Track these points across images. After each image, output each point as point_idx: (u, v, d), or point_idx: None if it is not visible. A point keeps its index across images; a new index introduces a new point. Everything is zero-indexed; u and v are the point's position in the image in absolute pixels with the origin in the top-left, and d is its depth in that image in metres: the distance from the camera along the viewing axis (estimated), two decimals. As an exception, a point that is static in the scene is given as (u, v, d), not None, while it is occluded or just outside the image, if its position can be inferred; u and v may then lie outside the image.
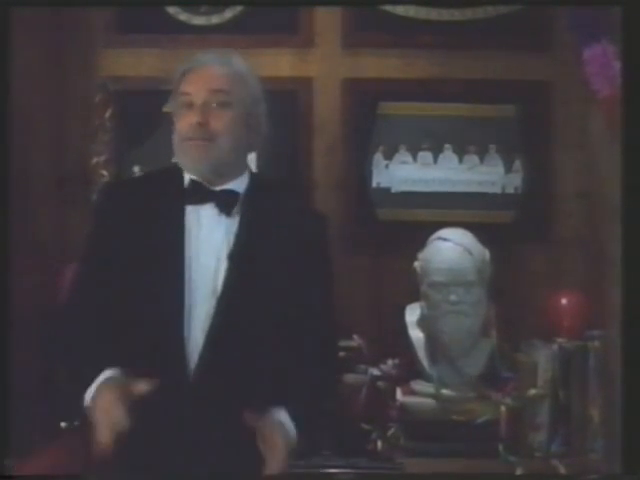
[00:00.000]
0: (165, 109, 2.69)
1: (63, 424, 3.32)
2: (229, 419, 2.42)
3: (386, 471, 3.20)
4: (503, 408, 3.31)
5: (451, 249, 3.35)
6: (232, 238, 2.53)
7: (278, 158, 3.67)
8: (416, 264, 3.42)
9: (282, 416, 2.42)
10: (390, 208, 3.81)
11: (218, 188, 2.57)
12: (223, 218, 2.55)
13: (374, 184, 3.82)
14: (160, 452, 2.45)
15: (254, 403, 2.40)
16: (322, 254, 2.63)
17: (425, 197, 3.80)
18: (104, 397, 2.33)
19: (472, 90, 3.78)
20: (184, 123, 2.53)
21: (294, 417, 2.43)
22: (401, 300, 3.53)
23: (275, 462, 2.34)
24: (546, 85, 3.79)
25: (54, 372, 2.77)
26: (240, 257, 2.51)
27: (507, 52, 3.76)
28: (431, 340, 3.39)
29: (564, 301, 3.52)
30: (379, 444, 3.29)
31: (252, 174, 2.66)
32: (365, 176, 3.81)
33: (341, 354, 3.22)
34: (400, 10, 3.78)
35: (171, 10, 3.76)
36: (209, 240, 2.52)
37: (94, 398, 2.35)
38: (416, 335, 3.43)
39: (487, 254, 3.38)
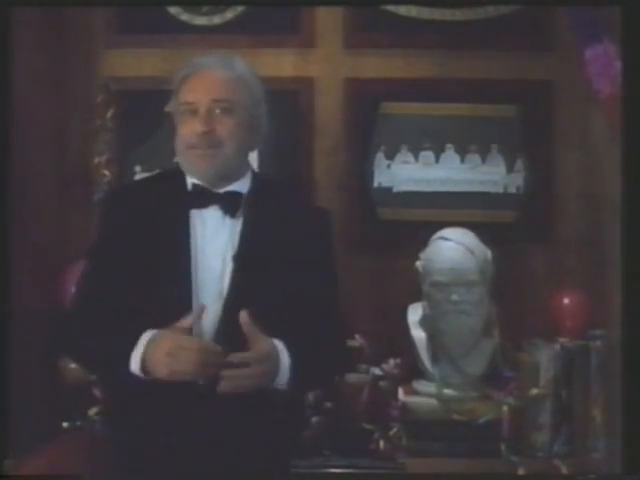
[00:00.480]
0: (166, 109, 2.69)
1: (65, 424, 3.33)
2: (239, 420, 2.43)
3: (388, 471, 3.19)
4: (505, 408, 3.30)
5: (453, 249, 3.35)
6: (236, 239, 2.54)
7: (280, 158, 3.67)
8: (418, 264, 3.42)
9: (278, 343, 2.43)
10: (392, 208, 3.81)
11: (222, 190, 2.58)
12: (227, 219, 2.56)
13: (376, 184, 3.82)
14: (169, 452, 2.46)
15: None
16: (327, 249, 2.64)
17: (427, 197, 3.80)
18: (164, 343, 2.36)
19: (474, 90, 3.77)
20: (188, 130, 2.54)
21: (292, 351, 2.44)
22: (403, 300, 3.53)
23: (245, 368, 2.35)
24: (548, 85, 3.79)
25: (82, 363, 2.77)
26: (245, 257, 2.52)
27: (509, 52, 3.75)
28: (433, 340, 3.38)
29: (566, 301, 3.52)
30: (381, 444, 3.28)
31: (254, 174, 2.67)
32: (367, 176, 3.81)
33: (350, 354, 3.24)
34: (402, 10, 3.78)
35: (173, 10, 3.76)
36: (214, 242, 2.54)
37: (148, 352, 2.37)
38: (418, 335, 3.43)
39: (489, 254, 3.38)
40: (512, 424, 3.30)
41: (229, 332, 2.45)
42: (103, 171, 3.74)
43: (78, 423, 3.32)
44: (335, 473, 3.18)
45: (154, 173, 3.10)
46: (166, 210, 2.56)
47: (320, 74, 3.82)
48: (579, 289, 3.58)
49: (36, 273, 3.39)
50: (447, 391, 3.35)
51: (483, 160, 3.80)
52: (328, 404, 3.33)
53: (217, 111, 2.53)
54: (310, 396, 3.26)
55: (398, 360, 3.46)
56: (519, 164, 3.80)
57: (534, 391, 3.34)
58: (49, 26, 3.62)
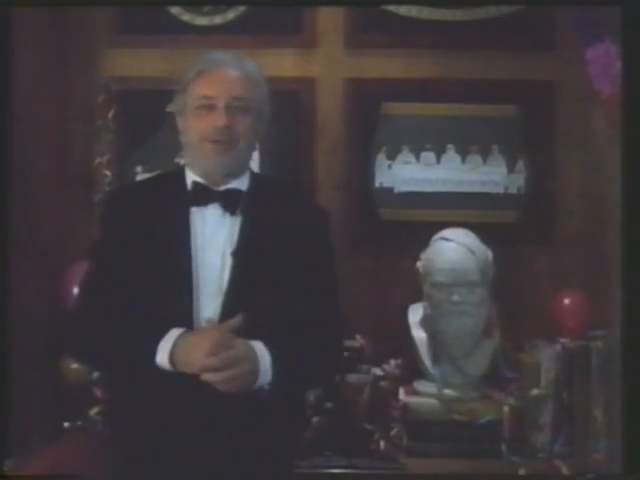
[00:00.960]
0: (169, 109, 2.70)
1: (66, 424, 3.33)
2: (239, 420, 2.44)
3: (389, 471, 3.19)
4: (506, 408, 3.30)
5: (454, 249, 3.35)
6: (235, 235, 2.56)
7: (281, 158, 3.68)
8: (419, 264, 3.43)
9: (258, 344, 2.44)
10: (393, 208, 3.81)
11: (222, 188, 2.60)
12: (227, 217, 2.57)
13: (377, 184, 3.82)
14: (169, 452, 2.46)
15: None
16: (324, 248, 2.66)
17: (428, 197, 3.80)
18: (190, 339, 2.41)
19: (475, 90, 3.77)
20: (205, 124, 2.55)
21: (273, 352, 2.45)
22: (404, 300, 3.53)
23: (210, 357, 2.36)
24: (549, 85, 3.79)
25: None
26: (244, 254, 2.54)
27: (510, 52, 3.75)
28: (434, 340, 3.39)
29: (567, 301, 3.52)
30: (382, 444, 3.28)
31: (252, 173, 2.69)
32: (368, 176, 3.81)
33: (344, 354, 3.23)
34: (403, 10, 3.78)
35: (174, 10, 3.77)
36: (214, 238, 2.56)
37: (177, 345, 2.41)
38: (419, 335, 3.43)
39: (490, 254, 3.38)
40: (513, 424, 3.30)
41: None
42: (104, 171, 3.74)
43: (79, 423, 3.32)
44: (336, 473, 3.18)
45: (154, 174, 3.12)
46: (166, 209, 2.58)
47: (321, 74, 3.82)
48: (580, 289, 3.58)
49: (36, 273, 3.39)
50: (448, 391, 3.35)
51: (484, 160, 3.80)
52: (329, 404, 3.33)
53: (235, 108, 2.55)
54: (311, 396, 3.26)
55: (399, 360, 3.46)
56: (520, 164, 3.80)
57: (535, 391, 3.34)
58: (49, 26, 3.62)
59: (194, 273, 2.53)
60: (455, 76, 3.77)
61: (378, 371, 3.43)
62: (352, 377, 3.39)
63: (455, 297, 3.32)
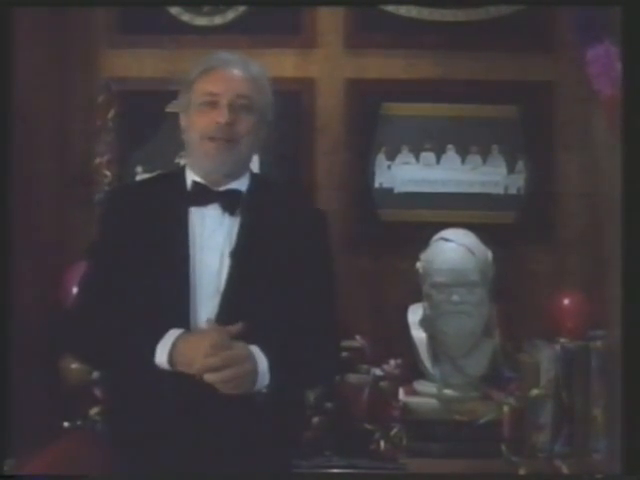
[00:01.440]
0: (172, 108, 2.70)
1: (66, 424, 3.33)
2: (239, 420, 2.44)
3: (389, 471, 3.19)
4: (506, 408, 3.30)
5: (453, 249, 3.35)
6: (234, 236, 2.56)
7: (281, 158, 3.68)
8: (418, 264, 3.43)
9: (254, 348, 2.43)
10: (392, 209, 3.81)
11: (222, 188, 2.60)
12: (226, 217, 2.57)
13: (377, 184, 3.82)
14: (165, 449, 2.47)
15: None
16: (323, 249, 2.66)
17: (428, 198, 3.80)
18: (189, 340, 2.41)
19: (475, 91, 3.77)
20: (207, 121, 2.55)
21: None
22: (403, 300, 3.53)
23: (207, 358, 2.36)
24: (549, 85, 3.79)
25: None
26: (242, 254, 2.54)
27: (510, 53, 3.75)
28: (433, 340, 3.38)
29: (567, 301, 3.52)
30: (382, 444, 3.28)
31: (252, 174, 2.70)
32: (368, 176, 3.81)
33: (344, 354, 3.24)
34: (403, 11, 3.78)
35: (174, 11, 3.76)
36: (212, 239, 2.56)
37: (176, 345, 2.40)
38: (418, 335, 3.43)
39: (489, 254, 3.38)
40: (513, 424, 3.30)
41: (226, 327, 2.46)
42: (104, 171, 3.74)
43: (79, 423, 3.32)
44: (336, 473, 3.18)
45: (154, 174, 3.12)
46: (165, 208, 2.58)
47: (321, 74, 3.82)
48: (579, 289, 3.58)
49: (36, 273, 3.39)
50: (448, 391, 3.35)
51: (484, 161, 3.80)
52: (329, 404, 3.33)
53: (239, 106, 2.55)
54: (311, 396, 3.26)
55: (399, 360, 3.46)
56: (520, 165, 3.80)
57: (535, 391, 3.34)
58: (49, 26, 3.62)
59: (192, 273, 2.53)
60: (455, 76, 3.77)
61: (378, 371, 3.43)
62: (352, 377, 3.39)
63: (455, 297, 3.32)
